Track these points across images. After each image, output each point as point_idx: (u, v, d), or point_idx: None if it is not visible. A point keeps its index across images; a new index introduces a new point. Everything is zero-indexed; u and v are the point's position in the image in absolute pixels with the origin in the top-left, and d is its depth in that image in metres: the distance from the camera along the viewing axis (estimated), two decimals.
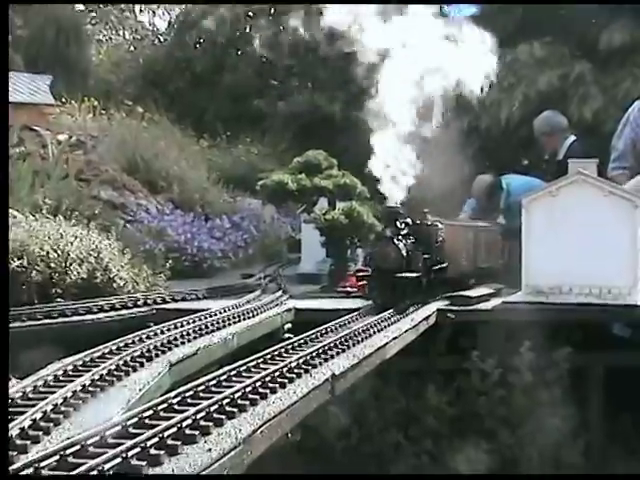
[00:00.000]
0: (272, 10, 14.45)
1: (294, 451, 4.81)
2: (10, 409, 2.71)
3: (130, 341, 3.86)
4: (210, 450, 2.40)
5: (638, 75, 9.59)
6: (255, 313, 4.89)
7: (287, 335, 4.79)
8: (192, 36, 15.54)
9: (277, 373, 3.18)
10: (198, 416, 2.58)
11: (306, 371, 3.34)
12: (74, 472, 2.09)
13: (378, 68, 5.10)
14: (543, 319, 5.18)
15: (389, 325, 4.51)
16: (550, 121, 8.48)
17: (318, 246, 6.66)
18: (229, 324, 4.53)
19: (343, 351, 3.79)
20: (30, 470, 2.08)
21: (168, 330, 4.15)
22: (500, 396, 5.46)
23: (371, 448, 5.47)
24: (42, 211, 6.11)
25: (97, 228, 6.11)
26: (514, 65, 9.96)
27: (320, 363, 3.50)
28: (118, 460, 2.18)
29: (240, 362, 3.29)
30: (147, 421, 2.54)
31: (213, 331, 4.32)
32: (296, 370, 3.30)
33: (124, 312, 5.19)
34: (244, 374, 3.18)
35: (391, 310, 4.77)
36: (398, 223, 5.15)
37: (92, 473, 2.10)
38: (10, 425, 2.52)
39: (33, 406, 2.75)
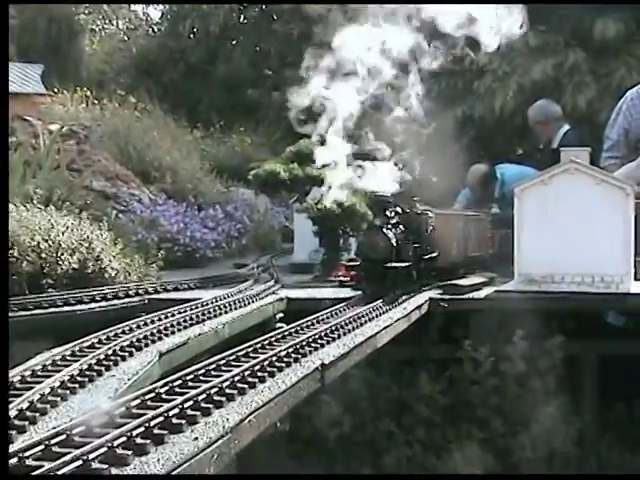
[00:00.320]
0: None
1: (286, 440, 4.82)
2: None
3: (120, 331, 3.84)
4: (197, 439, 2.39)
5: (632, 64, 9.57)
6: (246, 302, 4.88)
7: (279, 324, 4.78)
8: (186, 26, 15.47)
9: (266, 362, 3.17)
10: (185, 405, 2.57)
11: (296, 360, 3.33)
12: (58, 461, 2.08)
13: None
14: (536, 308, 5.18)
15: (381, 314, 4.50)
16: (544, 110, 8.47)
17: (311, 236, 6.64)
18: (220, 314, 4.52)
19: (333, 340, 3.78)
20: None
21: (159, 320, 4.13)
22: (493, 385, 5.47)
23: (363, 437, 5.48)
24: (33, 201, 6.08)
25: (89, 218, 6.07)
26: (508, 54, 9.92)
27: (310, 352, 3.49)
28: (104, 450, 2.17)
29: (229, 351, 3.28)
30: (134, 410, 2.53)
31: (204, 321, 4.31)
32: (286, 359, 3.29)
33: (116, 302, 5.17)
34: (233, 363, 3.17)
35: (381, 300, 4.74)
36: (388, 212, 5.11)
37: (77, 463, 2.09)
38: None
39: (19, 396, 2.73)
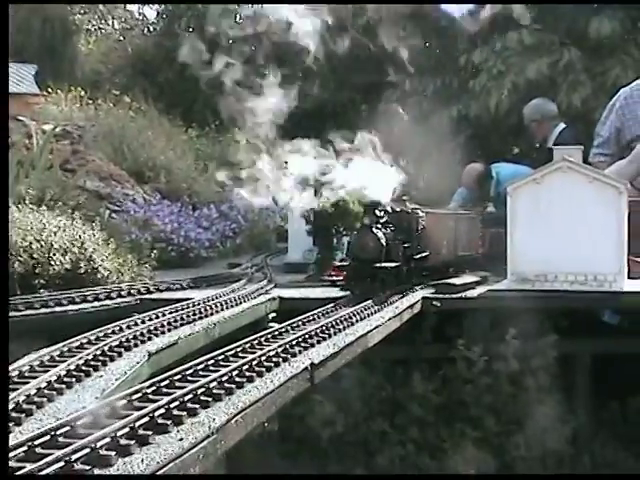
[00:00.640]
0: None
1: (278, 440, 4.80)
2: None
3: (109, 331, 3.83)
4: (182, 440, 2.37)
5: (627, 63, 9.56)
6: (238, 302, 4.87)
7: (271, 324, 4.75)
8: (181, 25, 15.43)
9: (255, 362, 3.15)
10: (172, 405, 2.56)
11: (285, 360, 3.32)
12: (41, 462, 2.06)
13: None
14: (529, 306, 5.16)
15: (372, 313, 4.48)
16: (540, 109, 8.46)
17: (305, 235, 6.63)
18: (211, 313, 4.50)
19: (324, 339, 3.76)
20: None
21: (149, 320, 4.12)
22: (486, 384, 5.46)
23: (357, 437, 5.46)
24: (25, 202, 6.06)
25: (82, 218, 6.05)
26: (503, 53, 9.91)
27: (300, 352, 3.48)
28: (87, 450, 2.16)
29: (218, 351, 3.26)
30: (119, 411, 2.52)
31: (194, 320, 4.29)
32: (274, 359, 3.28)
33: (108, 302, 5.15)
34: (222, 363, 3.16)
35: (370, 300, 4.70)
36: (377, 211, 5.08)
37: (60, 464, 2.08)
38: None
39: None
